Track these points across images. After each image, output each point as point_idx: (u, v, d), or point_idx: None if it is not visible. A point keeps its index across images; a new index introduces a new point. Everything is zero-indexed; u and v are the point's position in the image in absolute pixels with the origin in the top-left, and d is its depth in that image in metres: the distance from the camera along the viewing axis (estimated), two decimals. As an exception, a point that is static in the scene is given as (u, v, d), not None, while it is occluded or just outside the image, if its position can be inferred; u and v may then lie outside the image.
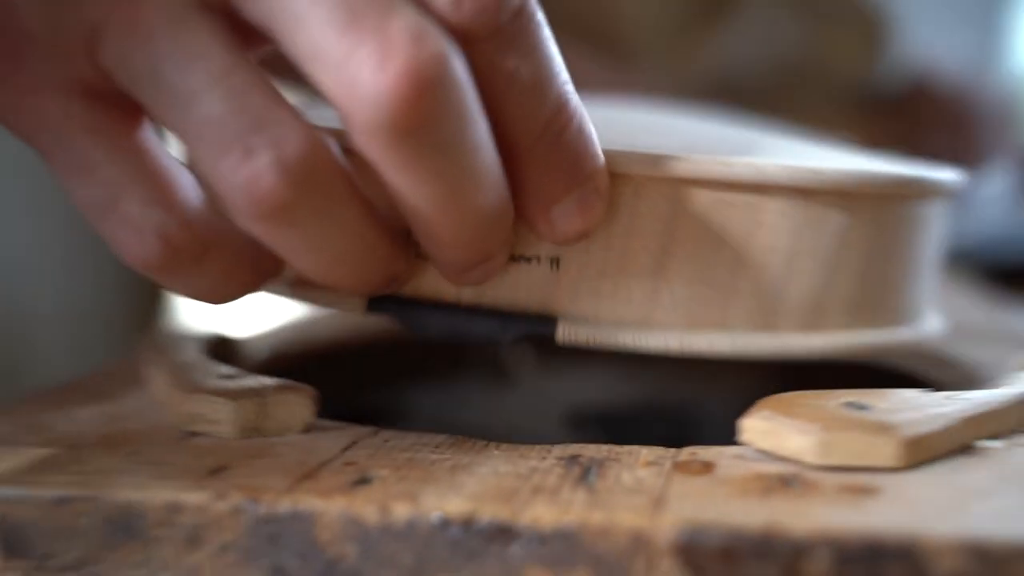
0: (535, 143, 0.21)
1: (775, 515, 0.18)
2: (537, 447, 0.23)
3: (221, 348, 0.34)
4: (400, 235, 0.23)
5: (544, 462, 0.22)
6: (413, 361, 0.42)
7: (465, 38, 0.19)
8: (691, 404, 0.42)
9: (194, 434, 0.24)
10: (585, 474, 0.21)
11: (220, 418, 0.24)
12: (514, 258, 0.24)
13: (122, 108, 0.21)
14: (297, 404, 0.25)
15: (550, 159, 0.21)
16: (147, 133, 0.22)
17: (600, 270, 0.24)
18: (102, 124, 0.21)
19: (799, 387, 0.24)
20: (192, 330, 0.34)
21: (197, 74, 0.19)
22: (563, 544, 0.18)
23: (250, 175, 0.19)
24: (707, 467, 0.21)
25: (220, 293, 0.23)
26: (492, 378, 0.46)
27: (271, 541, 0.20)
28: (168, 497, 0.20)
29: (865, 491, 0.20)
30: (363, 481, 0.20)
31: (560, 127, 0.21)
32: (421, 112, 0.18)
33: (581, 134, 0.22)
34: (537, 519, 0.18)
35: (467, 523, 0.19)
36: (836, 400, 0.22)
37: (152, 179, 0.21)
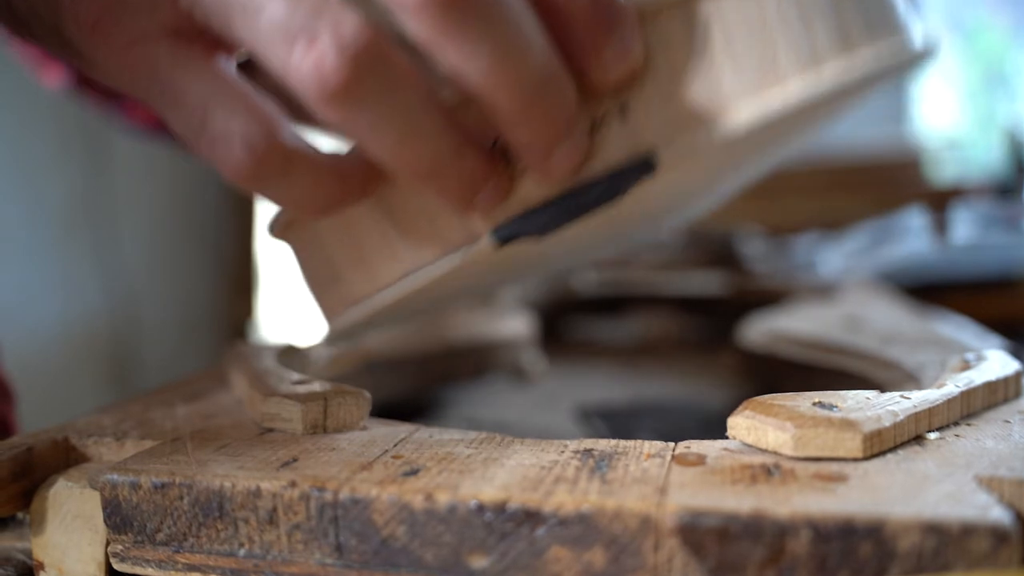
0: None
1: (762, 500, 0.17)
2: (555, 442, 0.22)
3: (291, 356, 0.33)
4: (481, 144, 0.21)
5: (563, 455, 0.20)
6: (444, 367, 0.41)
7: None
8: (674, 401, 0.41)
9: (270, 430, 0.24)
10: (598, 466, 0.20)
11: (291, 417, 0.23)
12: (590, 131, 0.21)
13: (202, 42, 0.20)
14: (354, 405, 0.24)
15: (586, 11, 0.19)
16: (226, 63, 0.21)
17: (662, 95, 0.21)
18: (187, 58, 0.20)
19: (769, 389, 0.23)
20: (269, 342, 0.33)
21: None
22: (582, 527, 0.17)
23: (316, 58, 0.18)
24: (701, 459, 0.20)
25: (310, 203, 0.21)
26: (510, 380, 0.45)
27: (333, 522, 0.19)
28: (250, 485, 0.19)
29: (835, 478, 0.19)
30: (411, 472, 0.19)
31: None
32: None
33: None
34: (560, 505, 0.17)
35: (500, 508, 0.18)
36: (807, 400, 0.21)
37: (234, 98, 0.20)
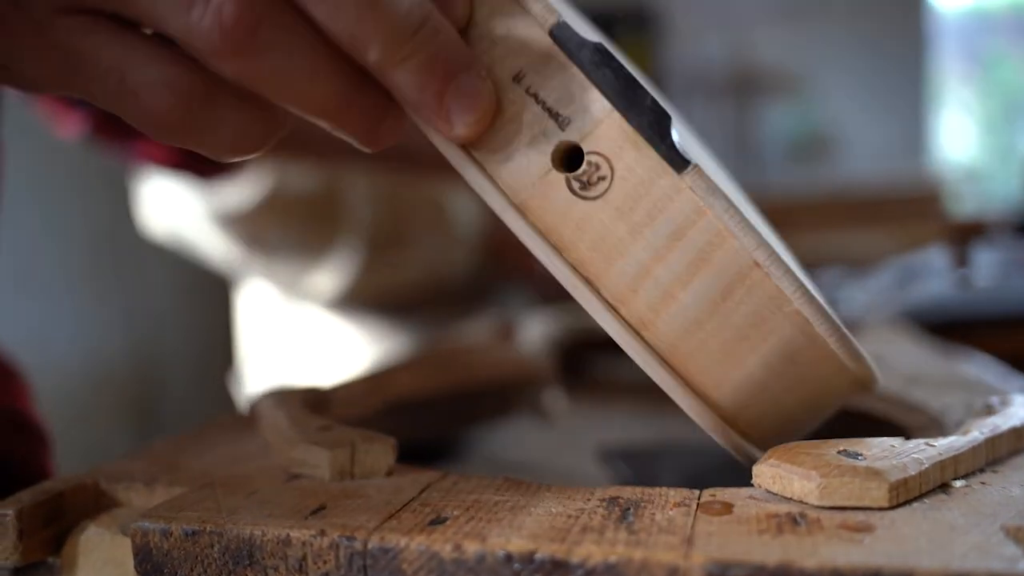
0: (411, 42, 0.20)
1: (788, 551, 0.17)
2: (581, 489, 0.22)
3: (314, 398, 0.33)
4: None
5: (589, 503, 0.21)
6: (466, 407, 0.41)
7: None
8: (697, 441, 0.41)
9: (298, 476, 0.24)
10: (624, 515, 0.20)
11: (319, 463, 0.24)
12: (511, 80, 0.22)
13: (103, 12, 0.20)
14: (381, 453, 0.24)
15: (424, 52, 0.20)
16: (129, 25, 0.21)
17: None
18: (92, 26, 0.20)
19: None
20: (292, 386, 0.33)
21: None
22: (610, 577, 0.17)
23: (214, 11, 0.18)
24: (727, 507, 0.20)
25: (243, 141, 0.21)
26: (532, 420, 0.45)
27: (363, 571, 0.19)
28: (280, 533, 0.20)
29: (862, 528, 0.19)
30: (439, 521, 0.20)
31: (422, 22, 0.20)
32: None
33: (444, 27, 0.20)
34: (587, 556, 0.18)
35: (527, 559, 0.18)
36: (833, 449, 0.21)
37: (148, 50, 0.20)
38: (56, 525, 0.23)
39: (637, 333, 0.21)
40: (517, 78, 0.22)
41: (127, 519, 0.22)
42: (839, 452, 0.21)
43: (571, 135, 0.21)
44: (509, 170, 0.22)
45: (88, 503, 0.24)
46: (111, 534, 0.22)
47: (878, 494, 0.20)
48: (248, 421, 0.31)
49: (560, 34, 0.21)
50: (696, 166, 0.21)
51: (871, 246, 0.90)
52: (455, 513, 0.20)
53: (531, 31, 0.22)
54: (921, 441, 0.23)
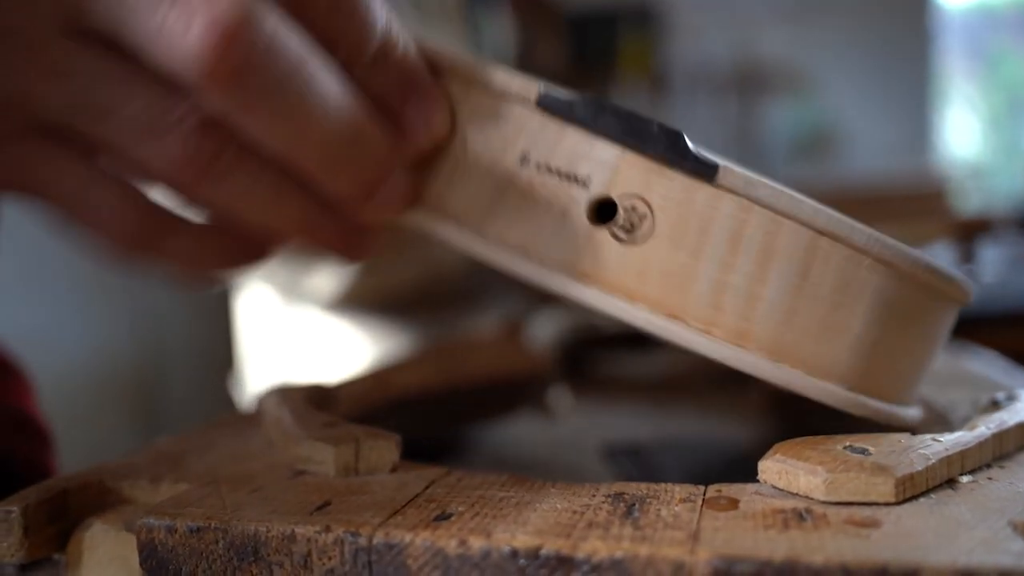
0: (370, 66, 0.20)
1: (795, 547, 0.17)
2: (587, 485, 0.22)
3: (318, 395, 0.33)
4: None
5: (594, 499, 0.21)
6: (470, 405, 0.41)
7: None
8: (701, 438, 0.41)
9: (302, 472, 0.24)
10: (629, 510, 0.20)
11: (323, 460, 0.24)
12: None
13: (67, 144, 0.20)
14: (386, 449, 0.24)
15: (385, 77, 0.20)
16: (92, 160, 0.20)
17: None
18: (54, 155, 0.20)
19: (796, 425, 0.22)
20: (296, 383, 0.33)
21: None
22: (615, 573, 0.17)
23: (199, 33, 0.17)
24: (732, 503, 0.20)
25: (202, 260, 0.21)
26: (536, 418, 0.45)
27: (368, 567, 0.19)
28: (284, 529, 0.20)
29: (868, 524, 0.19)
30: (444, 516, 0.20)
31: (388, 50, 0.20)
32: (234, 57, 0.17)
33: (407, 54, 0.20)
34: (593, 552, 0.18)
35: (533, 555, 0.18)
36: (839, 444, 0.21)
37: (106, 178, 0.20)
38: (61, 522, 0.23)
39: (740, 346, 0.22)
40: (524, 160, 0.22)
41: (132, 516, 0.22)
42: (845, 447, 0.21)
43: (597, 189, 0.22)
44: (554, 248, 0.22)
45: (93, 500, 0.24)
46: (116, 531, 0.22)
47: (885, 489, 0.20)
48: (251, 419, 0.31)
49: (547, 102, 0.22)
50: (724, 167, 0.21)
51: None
52: (460, 509, 0.20)
53: (518, 111, 0.22)
54: (928, 437, 0.23)
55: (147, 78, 0.18)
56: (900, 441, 0.22)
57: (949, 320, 0.25)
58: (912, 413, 0.24)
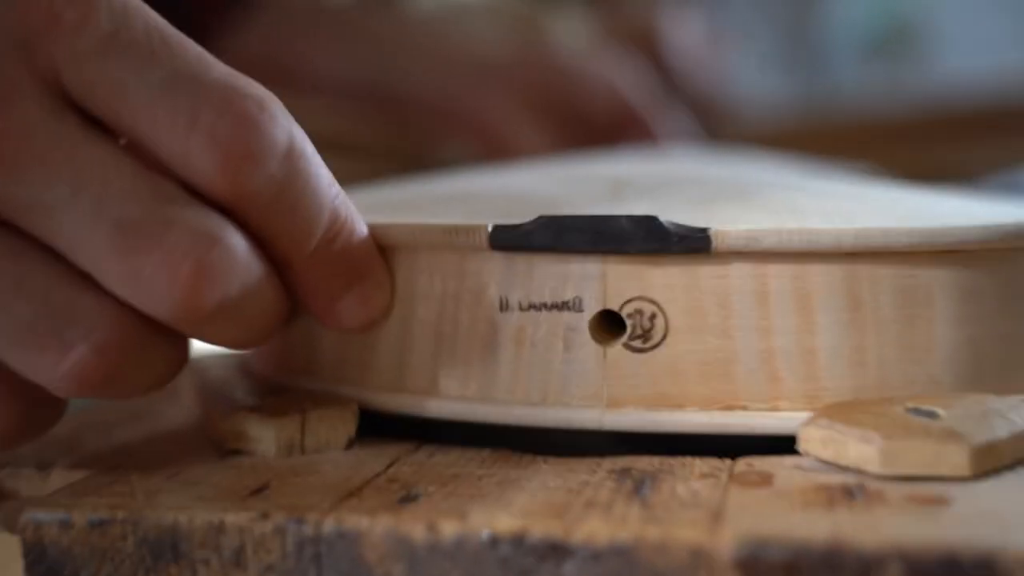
0: (311, 257, 0.23)
1: (841, 528, 0.18)
2: (586, 460, 0.23)
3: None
4: None
5: (595, 476, 0.21)
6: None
7: (237, 200, 0.21)
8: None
9: (234, 452, 0.25)
10: (638, 487, 0.21)
11: (261, 436, 0.24)
12: None
13: None
14: (339, 420, 0.25)
15: (327, 267, 0.24)
16: None
17: None
18: None
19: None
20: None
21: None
22: (619, 561, 0.18)
23: (71, 366, 0.21)
24: (765, 479, 0.21)
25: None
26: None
27: (315, 561, 0.20)
28: (210, 518, 0.20)
29: (935, 501, 0.19)
30: (409, 498, 0.21)
31: (332, 237, 0.23)
32: (216, 295, 0.21)
33: (352, 239, 0.24)
34: (591, 535, 0.18)
35: (518, 540, 0.19)
36: (900, 406, 0.22)
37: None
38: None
39: (813, 409, 0.23)
40: (504, 307, 0.24)
41: (14, 511, 0.23)
42: (908, 410, 0.22)
43: (592, 308, 0.23)
44: (572, 386, 0.24)
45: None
46: (-6, 532, 0.23)
47: (957, 460, 0.20)
48: (169, 391, 0.32)
49: (501, 239, 0.24)
50: (716, 232, 0.23)
51: (971, 166, 0.90)
52: (430, 489, 0.21)
53: (475, 260, 0.24)
54: (1017, 399, 0.23)
55: (53, 279, 0.21)
56: (979, 403, 0.23)
57: None
58: None
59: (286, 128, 0.21)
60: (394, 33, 0.63)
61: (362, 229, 0.24)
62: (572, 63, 0.63)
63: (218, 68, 0.21)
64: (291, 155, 0.22)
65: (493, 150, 0.58)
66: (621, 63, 0.65)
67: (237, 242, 0.21)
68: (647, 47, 0.83)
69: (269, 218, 0.22)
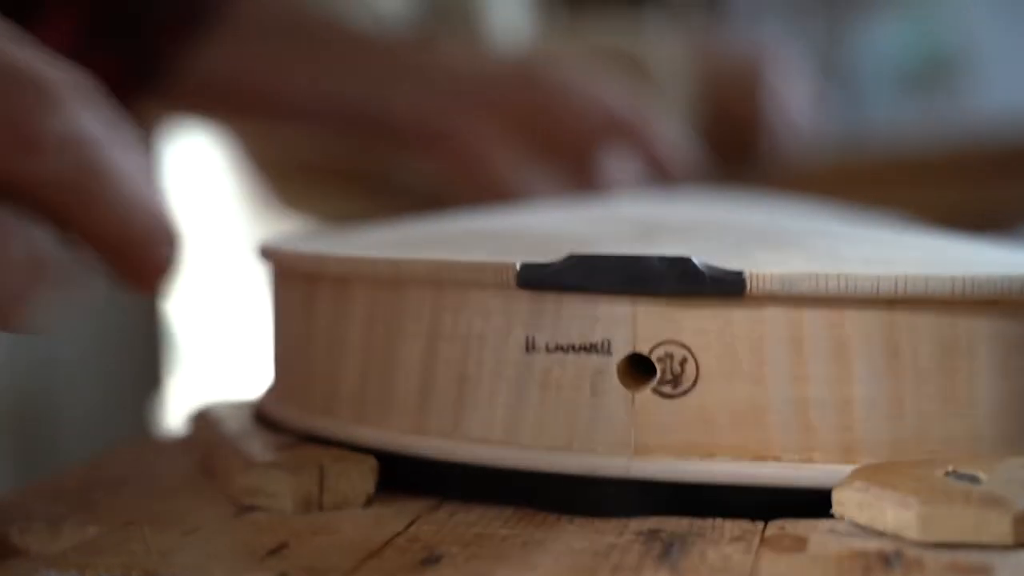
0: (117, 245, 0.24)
1: (878, 598, 0.18)
2: (612, 521, 0.23)
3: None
4: None
5: (622, 537, 0.22)
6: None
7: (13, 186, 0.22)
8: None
9: (250, 509, 0.25)
10: (667, 551, 0.21)
11: (278, 491, 0.25)
12: None
13: None
14: (358, 475, 0.25)
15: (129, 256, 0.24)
16: None
17: None
18: None
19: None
20: (238, 399, 0.34)
21: None
22: (648, 629, 0.18)
23: None
24: (799, 543, 0.21)
25: None
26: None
27: (335, 625, 0.20)
28: (227, 579, 0.21)
29: (977, 571, 0.19)
30: (431, 560, 0.21)
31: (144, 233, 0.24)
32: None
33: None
34: (620, 602, 0.19)
35: (544, 607, 0.19)
36: (939, 469, 0.22)
37: None
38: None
39: (852, 463, 0.23)
40: (530, 348, 0.24)
41: (27, 571, 0.23)
42: (948, 473, 0.22)
43: (621, 351, 0.24)
44: (600, 432, 0.24)
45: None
46: (4, 592, 0.23)
47: (1000, 528, 0.20)
48: (180, 443, 0.32)
49: (530, 277, 0.24)
50: (752, 274, 0.23)
51: (1012, 204, 0.90)
52: (452, 550, 0.21)
53: (501, 299, 0.24)
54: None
55: None
56: (1022, 466, 0.23)
57: None
58: None
59: (69, 119, 0.22)
60: (373, 51, 0.63)
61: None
62: (559, 82, 0.63)
63: (10, 55, 0.22)
64: (71, 146, 0.22)
65: (468, 173, 0.57)
66: (611, 80, 0.65)
67: None
68: (746, 81, 0.85)
69: (60, 205, 0.22)
